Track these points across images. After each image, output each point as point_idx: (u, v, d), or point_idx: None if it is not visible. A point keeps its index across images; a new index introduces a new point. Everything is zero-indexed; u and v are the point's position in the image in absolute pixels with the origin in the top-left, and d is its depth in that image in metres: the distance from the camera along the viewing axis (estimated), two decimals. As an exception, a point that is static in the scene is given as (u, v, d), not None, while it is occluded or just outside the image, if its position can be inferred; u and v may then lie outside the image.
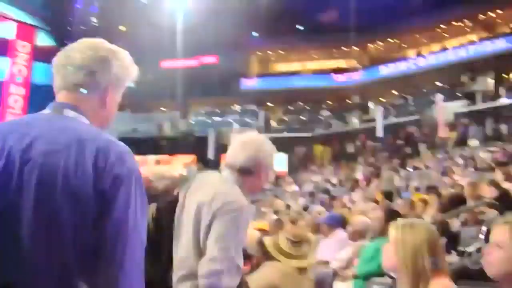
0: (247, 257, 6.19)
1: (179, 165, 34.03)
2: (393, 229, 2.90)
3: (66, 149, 1.83)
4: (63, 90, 2.04)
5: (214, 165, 32.47)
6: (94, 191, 1.78)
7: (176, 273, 3.05)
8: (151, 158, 34.07)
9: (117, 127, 29.09)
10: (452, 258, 6.88)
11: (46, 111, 2.02)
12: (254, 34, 41.47)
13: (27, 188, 1.78)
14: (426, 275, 2.71)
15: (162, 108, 43.83)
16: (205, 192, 3.06)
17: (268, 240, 5.56)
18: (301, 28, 41.61)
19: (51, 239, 1.76)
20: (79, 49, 2.06)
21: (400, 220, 2.99)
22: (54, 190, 1.78)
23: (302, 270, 4.84)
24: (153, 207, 4.19)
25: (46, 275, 1.75)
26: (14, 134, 1.88)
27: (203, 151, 33.23)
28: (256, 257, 6.06)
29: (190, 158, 34.25)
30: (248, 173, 3.25)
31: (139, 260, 1.85)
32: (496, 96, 32.41)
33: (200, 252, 2.91)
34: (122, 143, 1.95)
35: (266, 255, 5.53)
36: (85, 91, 2.03)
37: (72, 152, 1.82)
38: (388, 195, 14.39)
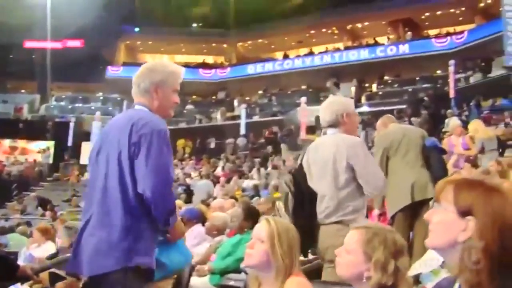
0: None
1: (35, 150, 32.81)
2: (265, 225, 2.95)
3: (124, 121, 3.28)
4: (135, 95, 3.51)
5: (73, 152, 31.55)
6: (129, 141, 3.14)
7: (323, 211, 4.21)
8: (6, 142, 32.59)
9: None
10: (309, 257, 7.03)
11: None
12: (124, 22, 40.54)
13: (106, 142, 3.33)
14: (289, 272, 2.83)
15: (22, 90, 41.92)
16: (328, 150, 4.26)
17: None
18: (172, 20, 41.20)
19: (117, 158, 3.18)
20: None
21: (269, 217, 3.05)
22: (117, 141, 3.21)
23: None
24: (288, 177, 4.69)
25: (117, 192, 3.13)
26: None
27: (62, 137, 32.06)
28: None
29: (48, 144, 33.05)
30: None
31: (162, 167, 3.11)
32: (357, 103, 33.76)
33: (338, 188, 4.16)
34: (157, 118, 3.30)
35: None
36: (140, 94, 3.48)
37: (124, 123, 3.25)
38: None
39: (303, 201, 4.32)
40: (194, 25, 44.01)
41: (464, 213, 1.80)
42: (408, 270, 2.51)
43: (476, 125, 12.06)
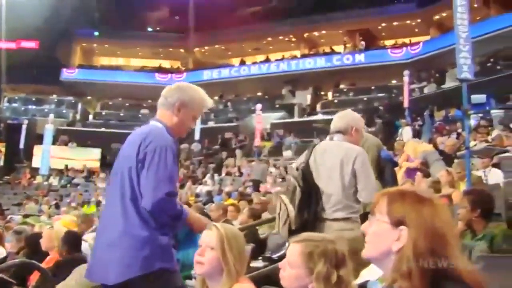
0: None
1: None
2: (214, 232, 2.96)
3: (137, 138, 3.53)
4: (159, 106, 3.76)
5: (25, 155, 30.96)
6: (136, 157, 3.40)
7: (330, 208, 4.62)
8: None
9: None
10: (259, 263, 6.98)
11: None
12: (81, 24, 39.94)
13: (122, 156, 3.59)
14: (237, 278, 2.85)
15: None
16: (335, 154, 4.71)
17: (91, 239, 5.30)
18: (129, 24, 40.81)
19: (128, 174, 3.44)
20: None
21: (220, 224, 3.05)
22: (128, 157, 3.48)
23: None
24: (296, 172, 4.92)
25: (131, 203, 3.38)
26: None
27: (14, 139, 31.39)
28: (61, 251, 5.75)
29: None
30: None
31: (160, 182, 3.32)
32: (312, 111, 34.00)
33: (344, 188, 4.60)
34: (164, 135, 3.53)
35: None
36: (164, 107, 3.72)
37: (136, 139, 3.50)
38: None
39: (310, 196, 4.71)
40: (151, 29, 43.69)
41: (397, 223, 1.88)
42: (351, 278, 2.56)
43: (411, 145, 12.22)
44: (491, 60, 28.50)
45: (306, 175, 4.81)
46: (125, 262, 3.29)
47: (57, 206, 20.27)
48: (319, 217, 4.67)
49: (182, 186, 20.17)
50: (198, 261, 2.95)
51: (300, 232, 4.13)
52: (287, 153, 25.95)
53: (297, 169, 4.93)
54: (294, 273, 2.51)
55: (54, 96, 40.85)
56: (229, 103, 38.23)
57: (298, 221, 4.65)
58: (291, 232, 4.60)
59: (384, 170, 6.48)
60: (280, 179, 18.48)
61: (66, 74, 39.82)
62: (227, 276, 2.84)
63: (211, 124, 33.86)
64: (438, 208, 1.90)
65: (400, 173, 10.41)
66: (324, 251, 2.48)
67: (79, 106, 39.82)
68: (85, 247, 6.04)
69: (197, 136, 29.53)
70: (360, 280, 3.69)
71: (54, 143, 29.82)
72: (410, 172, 10.32)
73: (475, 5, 29.31)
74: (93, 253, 3.61)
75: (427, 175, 9.49)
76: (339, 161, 4.68)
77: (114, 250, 3.35)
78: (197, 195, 18.31)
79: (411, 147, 12.00)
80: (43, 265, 5.46)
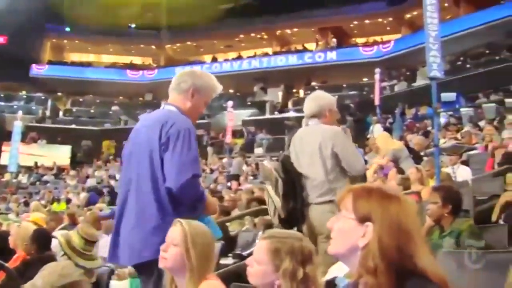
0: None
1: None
2: (178, 228, 2.94)
3: (154, 122, 3.61)
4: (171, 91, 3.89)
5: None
6: (159, 140, 3.46)
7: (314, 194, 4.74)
8: None
9: None
10: (228, 261, 6.99)
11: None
12: (51, 20, 39.43)
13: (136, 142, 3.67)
14: (204, 275, 2.85)
15: None
16: (313, 139, 4.82)
17: (61, 236, 5.24)
18: (100, 20, 40.43)
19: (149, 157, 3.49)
20: None
21: (183, 220, 3.00)
22: (148, 140, 3.53)
23: (88, 272, 4.85)
24: (276, 164, 5.08)
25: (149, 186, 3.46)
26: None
27: (-20, 136, 30.97)
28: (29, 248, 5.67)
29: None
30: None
31: (185, 163, 3.40)
32: (284, 108, 34.06)
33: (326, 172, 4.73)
34: (184, 118, 3.62)
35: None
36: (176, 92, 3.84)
37: (154, 123, 3.59)
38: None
39: (293, 185, 4.84)
40: (123, 25, 43.36)
41: (363, 219, 1.88)
42: (317, 275, 2.56)
43: (383, 137, 12.28)
44: (461, 58, 28.83)
45: (287, 165, 4.92)
46: (138, 246, 3.41)
47: (26, 204, 20.02)
48: (305, 203, 4.79)
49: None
50: (161, 256, 2.95)
51: (290, 220, 4.78)
52: (258, 150, 25.99)
53: (277, 160, 5.04)
54: (261, 269, 2.52)
55: (24, 92, 40.36)
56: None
57: (285, 210, 4.80)
58: (282, 221, 4.84)
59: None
60: (252, 177, 18.49)
61: (36, 70, 39.34)
62: (190, 273, 2.83)
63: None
64: (404, 204, 1.90)
65: (370, 171, 10.49)
66: (290, 248, 2.49)
67: (49, 102, 39.37)
68: (54, 244, 5.96)
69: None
70: (328, 276, 3.72)
71: (23, 140, 29.45)
72: (386, 169, 10.39)
73: (446, 4, 29.62)
74: (114, 237, 3.64)
75: (400, 171, 9.56)
76: (317, 146, 4.78)
77: (129, 233, 3.48)
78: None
79: (383, 140, 12.07)
80: (10, 263, 5.38)
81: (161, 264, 2.99)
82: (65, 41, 43.17)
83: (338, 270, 3.55)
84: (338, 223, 1.96)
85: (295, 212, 4.78)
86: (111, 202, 15.37)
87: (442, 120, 17.65)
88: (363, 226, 1.87)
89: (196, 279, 2.82)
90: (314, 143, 4.81)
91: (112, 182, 21.92)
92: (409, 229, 1.84)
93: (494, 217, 5.57)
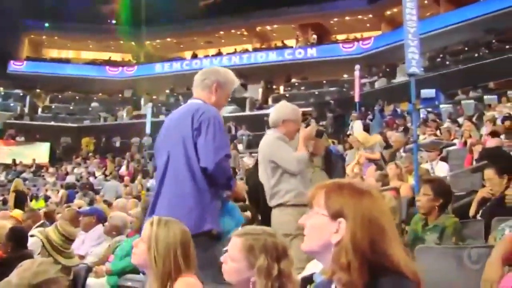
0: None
1: None
2: (148, 225, 2.93)
3: (184, 113, 3.98)
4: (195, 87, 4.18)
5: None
6: (192, 127, 3.80)
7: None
8: None
9: None
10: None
11: None
12: (29, 15, 39.05)
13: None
14: (175, 273, 2.81)
15: None
16: (261, 148, 5.19)
17: (40, 234, 5.19)
18: (80, 16, 40.16)
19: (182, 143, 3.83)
20: None
21: (155, 217, 2.99)
22: (180, 129, 3.87)
23: (65, 269, 4.80)
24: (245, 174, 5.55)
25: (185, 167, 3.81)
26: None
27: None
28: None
29: None
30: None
31: (218, 146, 3.77)
32: (264, 104, 34.05)
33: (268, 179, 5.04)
34: (213, 108, 3.97)
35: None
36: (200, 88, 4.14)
37: (184, 114, 3.95)
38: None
39: (257, 192, 5.30)
40: (102, 21, 43.08)
41: (335, 215, 1.88)
42: (292, 271, 2.54)
43: (363, 136, 12.33)
44: (440, 55, 28.98)
45: (251, 174, 5.48)
46: (188, 217, 3.54)
47: (4, 202, 19.84)
48: (268, 207, 5.11)
49: (132, 180, 20.00)
50: (133, 252, 2.97)
51: (265, 220, 5.16)
52: (238, 147, 25.95)
53: (247, 170, 5.35)
54: (236, 266, 2.52)
55: (1, 89, 39.97)
56: (180, 97, 37.94)
57: (254, 212, 5.40)
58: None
59: (336, 166, 6.59)
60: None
61: (14, 67, 39.04)
62: (152, 270, 2.84)
63: (162, 117, 33.58)
64: (376, 199, 1.90)
65: (350, 166, 10.52)
66: (264, 245, 2.49)
67: (28, 99, 39.02)
68: (31, 242, 5.90)
69: (148, 130, 29.28)
70: (306, 272, 3.72)
71: (1, 137, 29.23)
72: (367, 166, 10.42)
73: (426, 2, 29.79)
74: (149, 213, 3.91)
75: (380, 168, 9.58)
76: (261, 156, 5.21)
77: (168, 212, 3.56)
78: (148, 189, 18.15)
79: (364, 134, 12.16)
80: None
81: (132, 259, 3.00)
82: (44, 37, 42.87)
83: (316, 267, 3.56)
84: (310, 220, 1.95)
85: (263, 214, 5.24)
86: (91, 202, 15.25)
87: (422, 116, 17.78)
88: (336, 222, 1.86)
89: (161, 279, 2.80)
90: (261, 152, 5.21)
91: (92, 179, 21.77)
92: (382, 224, 1.84)
93: (471, 213, 5.59)
